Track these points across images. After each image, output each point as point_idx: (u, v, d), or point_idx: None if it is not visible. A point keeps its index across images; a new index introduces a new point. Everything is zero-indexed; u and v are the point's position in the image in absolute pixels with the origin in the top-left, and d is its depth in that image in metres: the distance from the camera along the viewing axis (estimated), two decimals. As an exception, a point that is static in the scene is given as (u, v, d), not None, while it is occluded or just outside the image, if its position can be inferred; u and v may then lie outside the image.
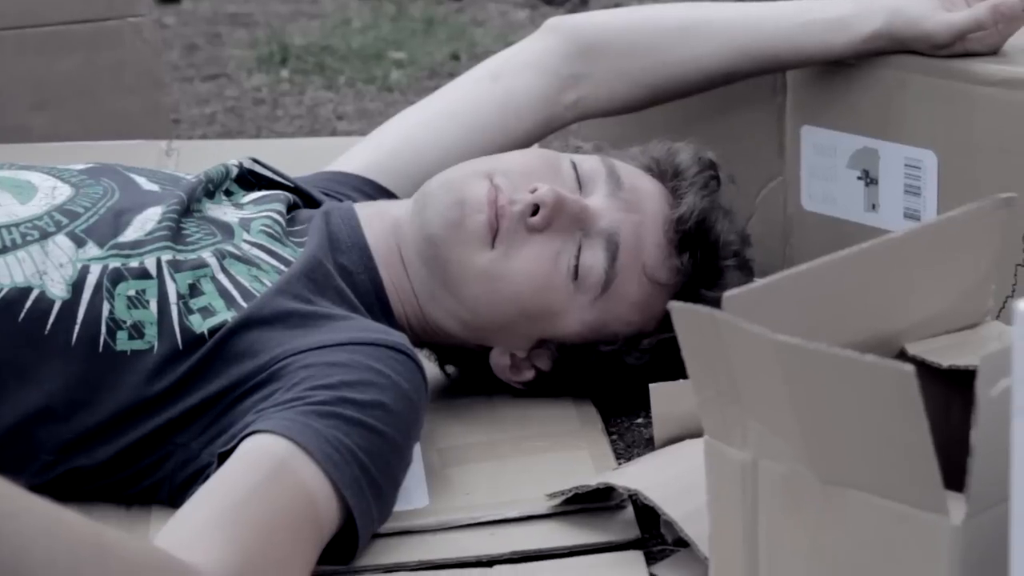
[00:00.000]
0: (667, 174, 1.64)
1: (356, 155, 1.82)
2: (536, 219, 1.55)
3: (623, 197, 1.59)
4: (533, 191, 1.56)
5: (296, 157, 1.78)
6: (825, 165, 1.84)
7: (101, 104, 2.21)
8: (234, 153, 1.72)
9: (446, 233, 1.56)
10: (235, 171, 1.66)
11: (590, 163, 1.62)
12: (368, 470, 1.39)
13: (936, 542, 1.01)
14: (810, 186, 1.86)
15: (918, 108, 1.74)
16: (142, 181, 1.60)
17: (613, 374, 1.65)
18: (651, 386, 1.56)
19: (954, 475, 1.02)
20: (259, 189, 1.66)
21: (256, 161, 1.69)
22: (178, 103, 2.92)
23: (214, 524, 1.30)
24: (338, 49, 3.26)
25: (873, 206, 1.80)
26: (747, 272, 1.66)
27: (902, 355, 1.20)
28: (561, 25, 1.85)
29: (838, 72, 1.80)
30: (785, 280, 1.14)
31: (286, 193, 1.65)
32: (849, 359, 1.00)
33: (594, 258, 1.57)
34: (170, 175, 1.64)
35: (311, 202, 1.68)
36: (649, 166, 1.65)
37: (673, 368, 1.54)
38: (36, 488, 1.21)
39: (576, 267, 1.57)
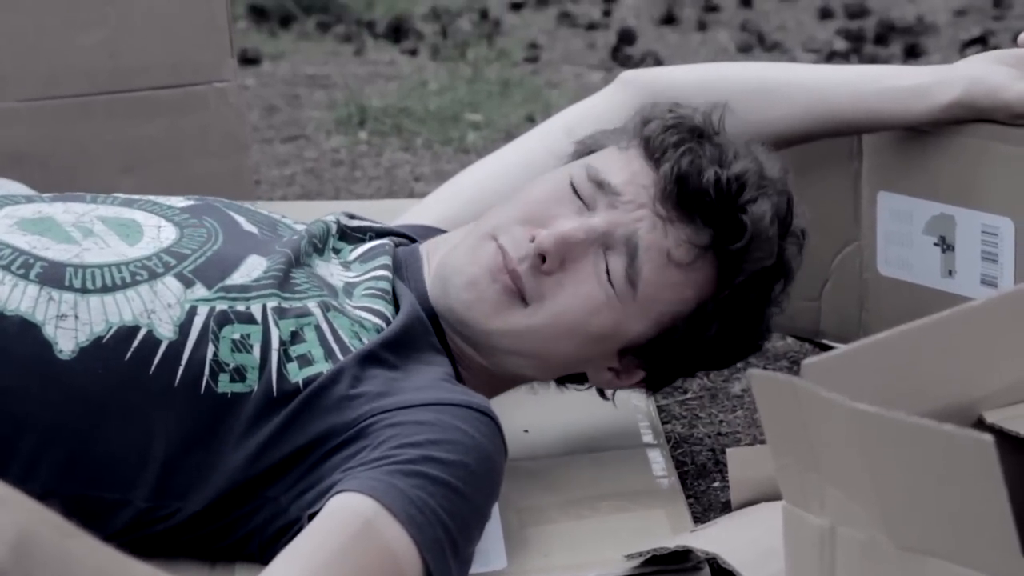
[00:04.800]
0: (645, 148, 1.61)
1: (433, 206, 1.84)
2: (547, 265, 1.56)
3: (623, 200, 1.58)
4: (532, 240, 1.56)
5: (374, 218, 1.80)
6: (901, 231, 1.84)
7: (186, 167, 2.23)
8: (314, 214, 1.74)
9: (473, 313, 1.58)
10: (334, 227, 1.68)
11: (581, 176, 1.59)
12: (449, 530, 1.41)
13: (1014, 610, 1.01)
14: (886, 251, 1.86)
15: (996, 176, 1.74)
16: (242, 221, 1.62)
17: (706, 343, 1.63)
18: (729, 451, 1.57)
19: (1033, 544, 1.02)
20: (362, 241, 1.68)
21: (351, 216, 1.71)
22: (258, 164, 2.95)
23: (303, 584, 1.32)
24: (415, 111, 3.29)
25: (950, 272, 1.80)
26: (782, 194, 1.61)
27: (980, 423, 1.21)
28: (636, 80, 1.85)
29: (915, 139, 1.80)
30: (863, 348, 1.15)
31: (389, 242, 1.67)
32: (927, 428, 1.01)
33: (618, 264, 1.57)
34: (266, 217, 1.66)
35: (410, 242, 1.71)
36: (631, 145, 1.63)
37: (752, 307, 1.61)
38: (128, 543, 1.24)
39: (609, 279, 1.57)
